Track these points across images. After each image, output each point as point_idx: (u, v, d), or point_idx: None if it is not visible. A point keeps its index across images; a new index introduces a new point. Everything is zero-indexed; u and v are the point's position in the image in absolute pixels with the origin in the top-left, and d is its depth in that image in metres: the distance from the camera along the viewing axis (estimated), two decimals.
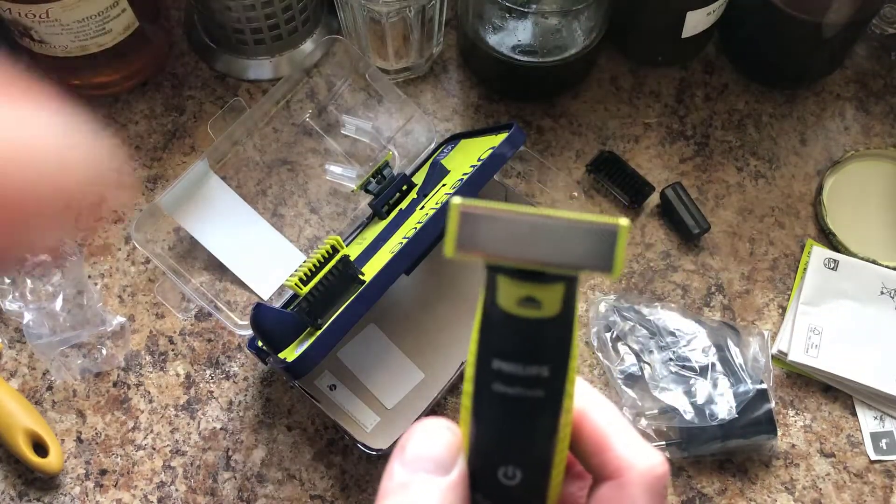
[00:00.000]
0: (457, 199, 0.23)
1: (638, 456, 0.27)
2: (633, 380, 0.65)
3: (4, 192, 0.28)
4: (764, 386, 0.64)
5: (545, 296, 0.23)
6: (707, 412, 0.63)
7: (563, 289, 0.24)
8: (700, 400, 0.63)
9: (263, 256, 0.68)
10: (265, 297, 0.66)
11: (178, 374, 0.66)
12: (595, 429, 0.27)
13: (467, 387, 0.26)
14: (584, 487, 0.29)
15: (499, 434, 0.26)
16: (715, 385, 0.64)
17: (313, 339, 0.57)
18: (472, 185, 0.59)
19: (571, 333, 0.25)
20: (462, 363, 0.64)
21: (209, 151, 0.67)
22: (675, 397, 0.64)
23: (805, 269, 0.69)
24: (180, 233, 0.68)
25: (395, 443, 0.45)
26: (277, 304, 0.65)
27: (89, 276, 0.68)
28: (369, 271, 0.61)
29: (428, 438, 0.26)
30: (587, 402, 0.28)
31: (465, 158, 0.63)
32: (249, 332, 0.63)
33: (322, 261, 0.60)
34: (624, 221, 0.23)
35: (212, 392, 0.65)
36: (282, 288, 0.66)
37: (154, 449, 0.64)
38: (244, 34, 0.72)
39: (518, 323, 0.24)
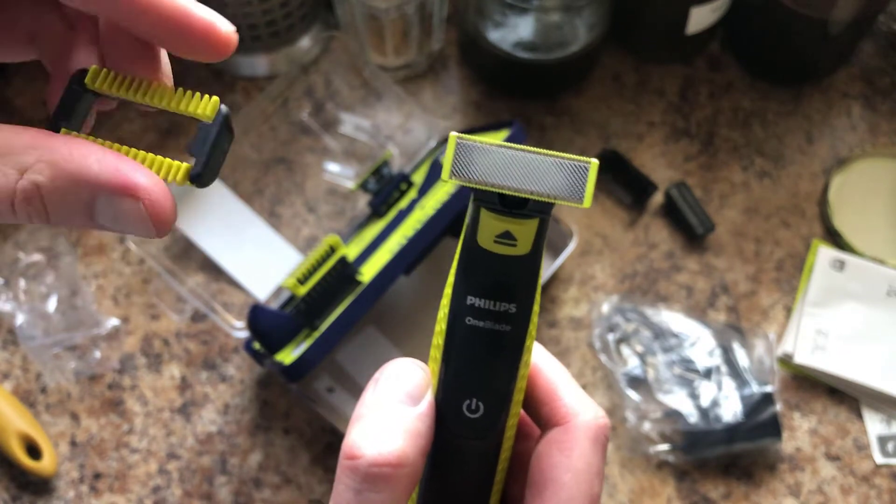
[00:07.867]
0: (454, 133, 0.26)
1: (584, 407, 0.30)
2: (636, 382, 0.64)
3: None
4: (769, 388, 0.63)
5: (520, 232, 0.26)
6: (712, 415, 0.62)
7: (537, 226, 0.27)
8: (705, 403, 0.63)
9: (260, 257, 0.67)
10: (262, 298, 0.66)
11: (173, 377, 0.65)
12: (546, 380, 0.30)
13: (440, 326, 0.29)
14: (532, 447, 0.32)
15: (468, 365, 0.28)
16: (720, 387, 0.63)
17: (311, 341, 0.56)
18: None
19: (538, 274, 0.28)
20: None
21: None
22: (679, 400, 0.63)
23: (811, 269, 0.68)
24: (175, 233, 0.67)
25: None
26: (274, 306, 0.64)
27: (83, 277, 0.67)
28: (368, 271, 0.60)
29: (399, 373, 0.29)
30: (539, 358, 0.31)
31: None
32: (246, 334, 0.63)
33: (320, 261, 0.60)
34: (594, 161, 0.26)
35: (207, 395, 0.65)
36: (279, 289, 0.65)
37: (149, 452, 0.63)
38: (241, 31, 0.71)
39: (494, 260, 0.27)
